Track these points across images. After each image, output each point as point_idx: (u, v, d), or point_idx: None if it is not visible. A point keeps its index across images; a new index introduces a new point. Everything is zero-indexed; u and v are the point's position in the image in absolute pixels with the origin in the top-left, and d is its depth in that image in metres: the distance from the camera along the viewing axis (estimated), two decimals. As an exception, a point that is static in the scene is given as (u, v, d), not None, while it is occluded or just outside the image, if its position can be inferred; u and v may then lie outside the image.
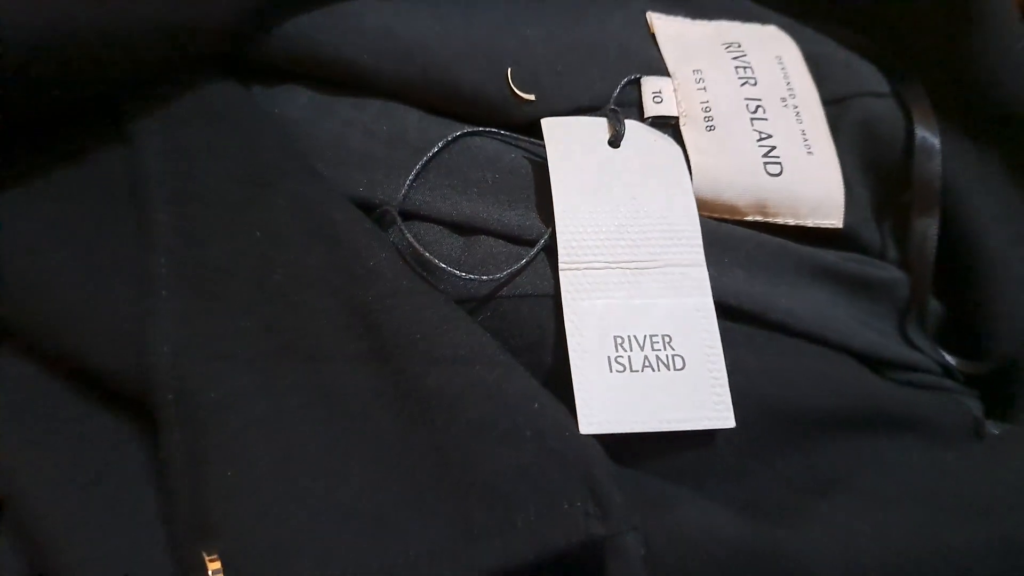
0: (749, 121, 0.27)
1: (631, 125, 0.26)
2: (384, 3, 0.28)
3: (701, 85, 0.28)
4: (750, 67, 0.28)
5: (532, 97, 0.27)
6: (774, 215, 0.27)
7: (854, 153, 0.28)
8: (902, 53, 0.31)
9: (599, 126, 0.26)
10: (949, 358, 0.26)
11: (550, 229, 0.24)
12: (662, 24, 0.29)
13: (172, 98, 0.26)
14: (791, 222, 0.27)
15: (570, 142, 0.25)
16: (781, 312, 0.24)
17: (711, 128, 0.27)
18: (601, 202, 0.24)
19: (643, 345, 0.23)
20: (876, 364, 0.25)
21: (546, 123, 0.26)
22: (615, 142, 0.25)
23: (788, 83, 0.28)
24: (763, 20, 0.31)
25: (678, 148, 0.26)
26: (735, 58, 0.29)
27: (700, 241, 0.24)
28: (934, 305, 0.28)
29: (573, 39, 0.28)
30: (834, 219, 0.27)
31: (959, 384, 0.26)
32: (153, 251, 0.24)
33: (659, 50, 0.29)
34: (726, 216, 0.27)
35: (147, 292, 0.23)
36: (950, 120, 0.29)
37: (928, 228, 0.27)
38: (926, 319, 0.27)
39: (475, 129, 0.26)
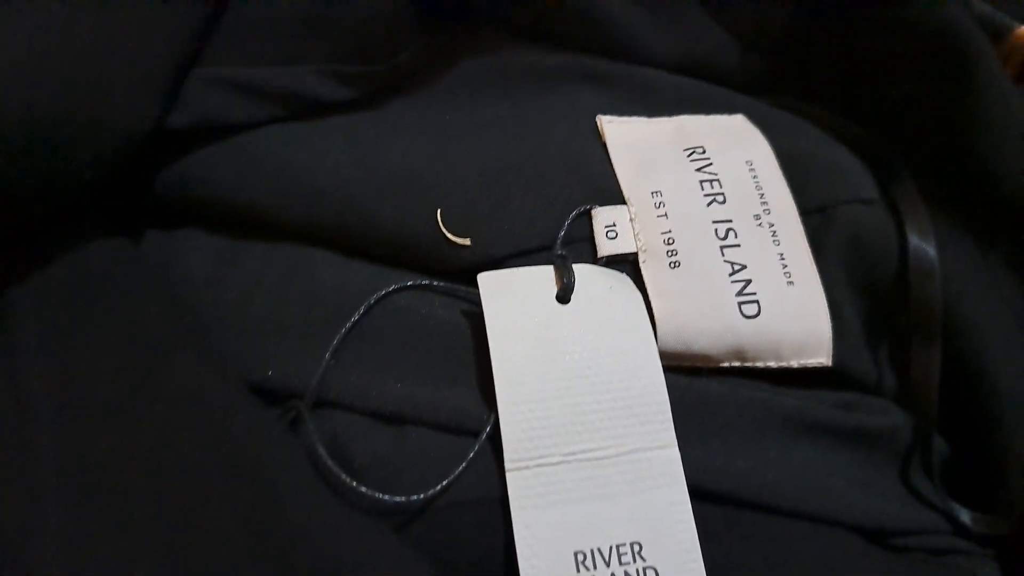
0: (719, 251, 0.23)
1: (582, 272, 0.22)
2: (287, 132, 0.24)
3: (662, 211, 0.24)
4: (717, 179, 0.25)
5: (467, 241, 0.23)
6: (753, 360, 0.23)
7: (841, 271, 0.25)
8: (886, 133, 0.27)
9: (545, 278, 0.22)
10: (960, 511, 0.23)
11: (494, 415, 0.20)
12: (614, 131, 0.25)
13: (48, 261, 0.23)
14: (772, 365, 0.23)
15: (512, 301, 0.22)
16: (768, 489, 0.21)
17: (675, 264, 0.23)
18: (551, 378, 0.21)
19: (609, 560, 0.19)
20: (879, 533, 0.22)
21: (483, 280, 0.22)
22: (564, 297, 0.22)
23: (761, 195, 0.25)
24: (730, 106, 0.27)
25: (638, 296, 0.22)
26: (699, 168, 0.25)
27: (669, 416, 0.21)
28: (939, 443, 0.24)
29: (511, 160, 0.24)
30: (821, 357, 0.23)
31: (972, 545, 0.23)
32: (33, 455, 0.20)
33: (612, 165, 0.25)
34: (698, 364, 0.23)
35: (28, 505, 0.20)
36: (945, 215, 0.26)
37: (930, 361, 0.24)
38: (932, 467, 0.23)
39: (402, 285, 0.22)
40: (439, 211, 0.23)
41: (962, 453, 0.25)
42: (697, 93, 0.27)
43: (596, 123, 0.26)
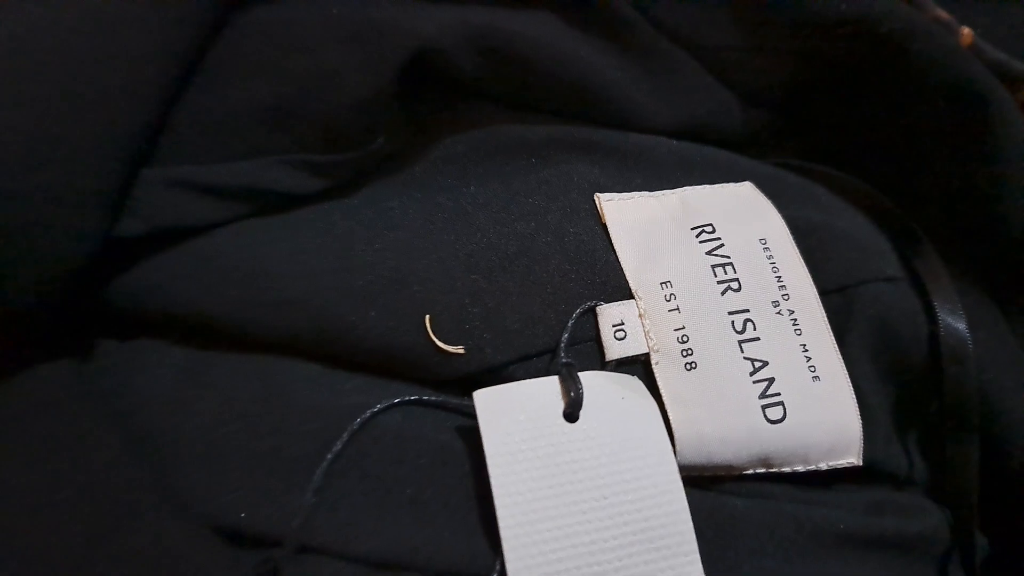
0: (738, 347, 0.21)
1: (590, 382, 0.20)
2: (254, 231, 0.22)
3: (673, 304, 0.22)
4: (730, 262, 0.22)
5: (461, 349, 0.21)
6: (779, 466, 0.21)
7: (866, 357, 0.23)
8: (900, 195, 0.26)
9: (549, 391, 0.20)
10: None
11: (499, 559, 0.18)
12: (614, 210, 0.23)
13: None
14: (800, 469, 0.21)
15: (513, 422, 0.19)
16: None
17: (691, 366, 0.21)
18: (563, 512, 0.18)
19: None
20: None
21: (479, 399, 0.20)
22: (572, 415, 0.19)
23: (778, 277, 0.22)
24: (735, 171, 0.25)
25: (653, 405, 0.20)
26: (710, 251, 0.23)
27: (695, 547, 0.19)
28: (980, 539, 0.23)
29: (505, 251, 0.22)
30: (851, 457, 0.21)
31: None
32: None
33: (615, 250, 0.22)
34: (720, 474, 0.21)
35: None
36: (970, 287, 0.24)
37: (967, 453, 0.22)
38: (975, 570, 0.22)
39: (389, 403, 0.20)
40: (428, 317, 0.21)
41: (1005, 548, 0.23)
42: (700, 158, 0.25)
43: (595, 201, 0.23)
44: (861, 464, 0.21)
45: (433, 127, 0.24)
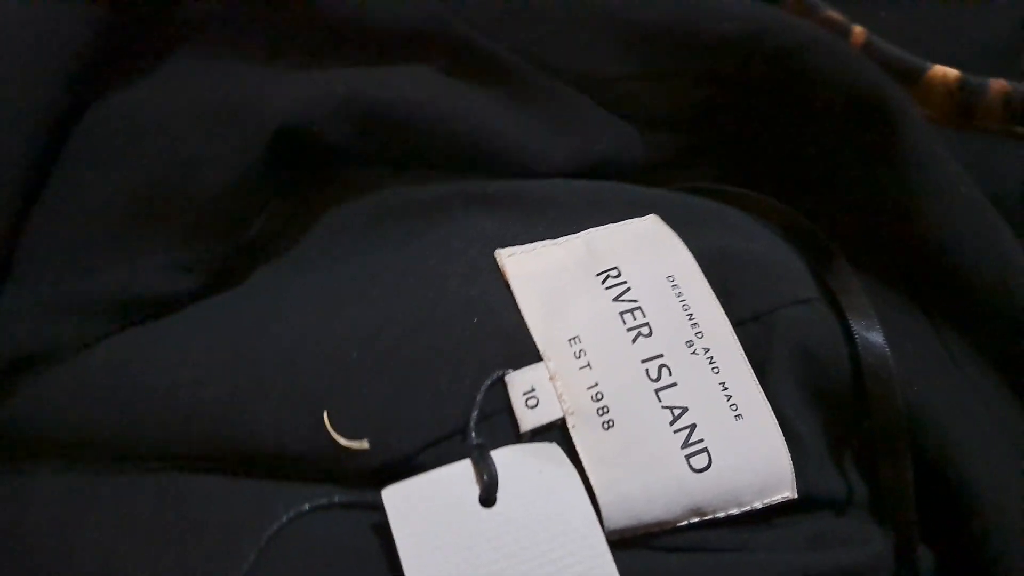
0: (654, 396, 0.21)
1: (504, 461, 0.19)
2: (130, 341, 0.20)
3: (583, 360, 0.21)
4: (638, 307, 0.22)
5: (365, 444, 0.20)
6: (713, 512, 0.20)
7: (791, 384, 0.22)
8: (811, 209, 0.25)
9: (461, 477, 0.19)
10: None
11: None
12: (516, 264, 0.22)
13: None
14: (735, 512, 0.21)
15: (427, 517, 0.18)
16: None
17: (609, 425, 0.20)
18: (487, 608, 0.18)
19: None
20: None
21: (387, 497, 0.19)
22: (487, 500, 0.19)
23: (690, 315, 0.22)
24: (639, 203, 0.24)
25: (573, 474, 0.19)
26: (617, 297, 0.22)
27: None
28: (925, 554, 0.22)
29: (405, 324, 0.21)
30: (785, 491, 0.21)
31: None
32: None
33: (519, 309, 0.22)
34: (652, 531, 0.20)
35: None
36: (888, 298, 0.24)
37: (901, 471, 0.21)
38: None
39: (298, 512, 0.19)
40: (325, 413, 0.20)
41: (951, 559, 0.22)
42: (603, 196, 0.24)
43: (495, 258, 0.22)
44: (796, 496, 0.21)
45: (317, 200, 0.23)
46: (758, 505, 0.21)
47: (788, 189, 0.26)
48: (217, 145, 0.20)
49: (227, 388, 0.20)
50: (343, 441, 0.19)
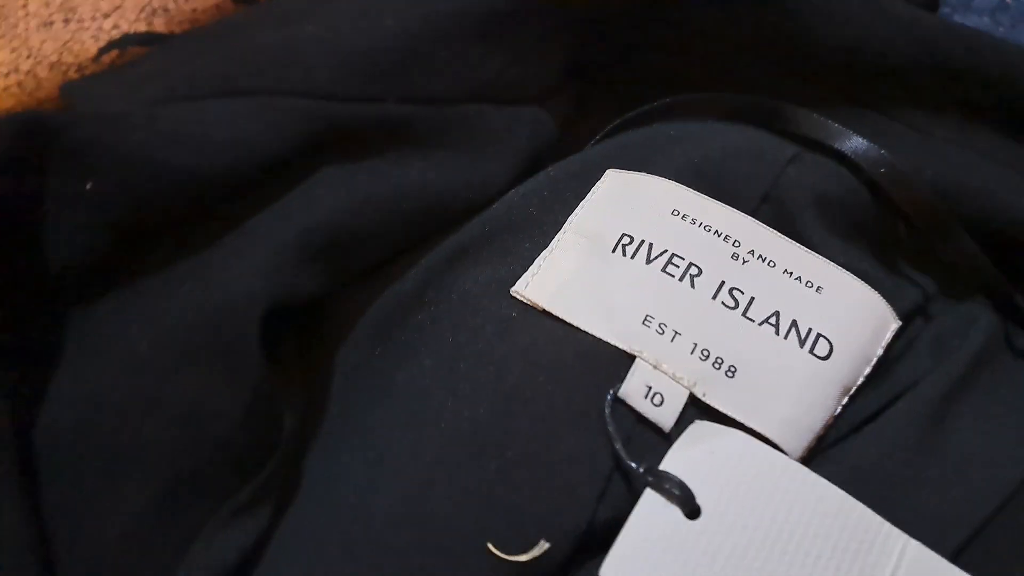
0: (746, 320, 0.20)
1: (674, 467, 0.18)
2: None
3: (669, 333, 0.20)
4: (670, 254, 0.21)
5: (544, 545, 0.18)
6: (854, 382, 0.20)
7: (826, 233, 0.22)
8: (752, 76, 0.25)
9: (655, 508, 0.17)
10: None
11: None
12: (537, 290, 0.21)
13: None
14: (868, 370, 0.21)
15: (655, 567, 0.17)
16: None
17: (732, 372, 0.19)
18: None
19: None
20: None
21: (606, 573, 0.17)
22: (693, 511, 0.17)
23: (716, 232, 0.21)
24: (593, 171, 0.23)
25: (738, 434, 0.18)
26: (648, 260, 0.21)
27: (880, 520, 0.17)
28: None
29: (493, 421, 0.19)
30: (891, 323, 0.21)
31: None
32: None
33: (574, 326, 0.20)
34: (822, 432, 0.20)
35: None
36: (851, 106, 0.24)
37: (963, 247, 0.22)
38: None
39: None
40: (489, 544, 0.17)
41: None
42: (556, 182, 0.23)
43: (515, 298, 0.21)
44: (900, 323, 0.21)
45: (317, 350, 0.21)
46: (880, 351, 0.21)
47: (714, 74, 0.25)
48: (213, 391, 0.17)
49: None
50: (523, 557, 0.17)
